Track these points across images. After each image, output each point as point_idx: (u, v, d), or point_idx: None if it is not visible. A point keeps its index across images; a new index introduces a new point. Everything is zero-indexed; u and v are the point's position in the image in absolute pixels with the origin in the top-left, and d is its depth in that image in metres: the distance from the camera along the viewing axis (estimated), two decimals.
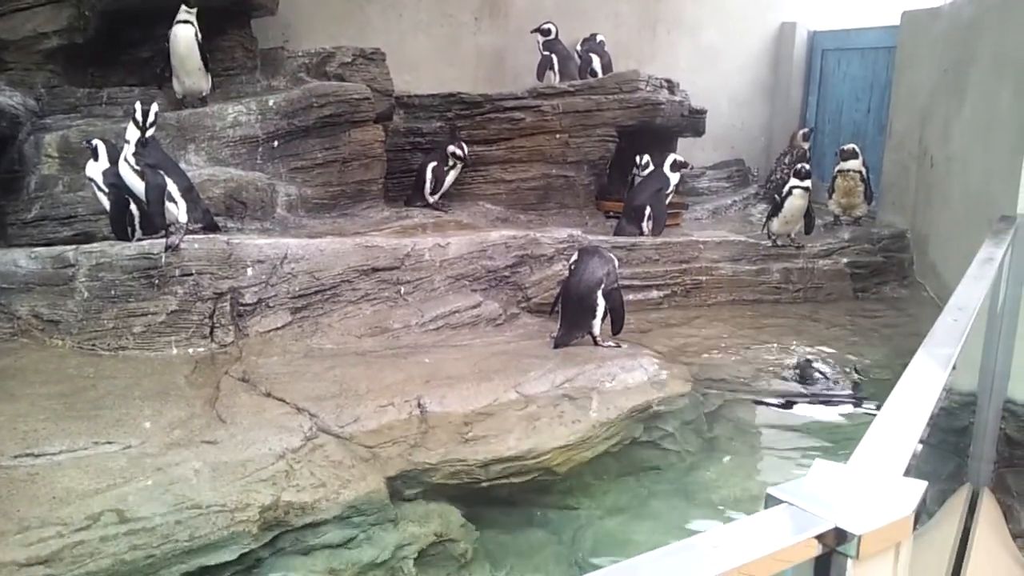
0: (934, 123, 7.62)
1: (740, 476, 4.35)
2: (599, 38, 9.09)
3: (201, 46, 6.53)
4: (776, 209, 7.35)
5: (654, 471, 4.41)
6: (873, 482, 1.31)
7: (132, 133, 5.31)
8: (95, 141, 5.55)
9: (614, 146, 8.15)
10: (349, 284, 5.66)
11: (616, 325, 5.60)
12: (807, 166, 7.37)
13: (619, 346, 5.55)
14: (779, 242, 7.41)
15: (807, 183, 7.16)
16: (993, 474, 3.68)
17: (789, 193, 7.19)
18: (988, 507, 3.46)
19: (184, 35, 6.46)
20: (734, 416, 4.97)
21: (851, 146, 8.14)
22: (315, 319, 5.51)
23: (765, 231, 7.55)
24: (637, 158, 8.12)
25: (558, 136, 8.07)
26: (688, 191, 9.50)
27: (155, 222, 5.37)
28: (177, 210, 5.35)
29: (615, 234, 7.33)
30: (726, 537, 1.10)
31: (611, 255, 5.68)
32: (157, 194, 5.26)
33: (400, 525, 3.65)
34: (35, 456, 3.64)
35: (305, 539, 3.47)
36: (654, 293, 6.88)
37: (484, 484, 4.00)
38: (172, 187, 5.33)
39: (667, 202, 7.58)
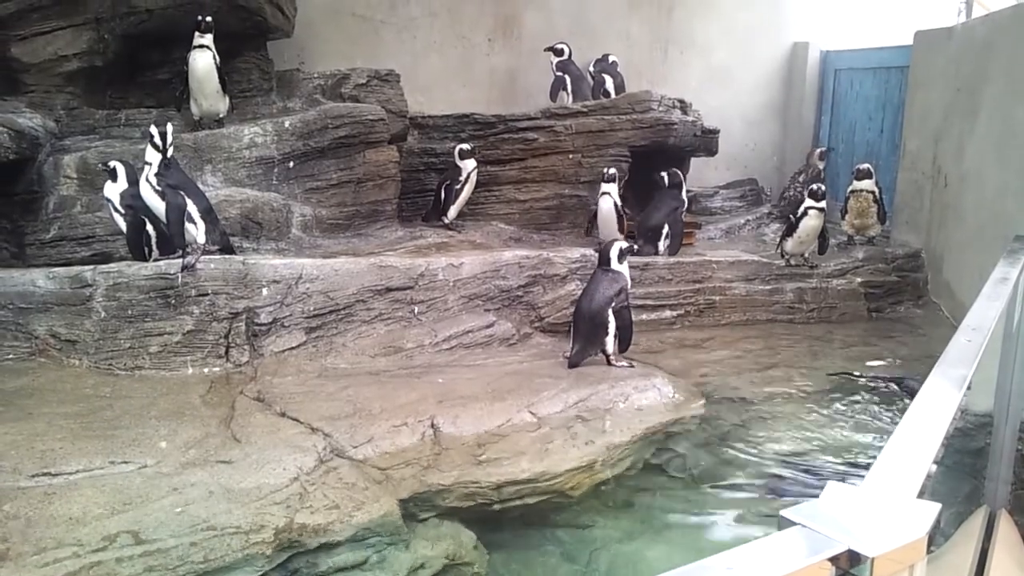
0: (948, 142, 7.61)
1: (754, 497, 4.32)
2: (611, 58, 9.15)
3: (219, 69, 6.61)
4: (791, 229, 7.34)
5: (668, 492, 4.38)
6: (887, 504, 1.31)
7: (152, 155, 5.37)
8: (112, 163, 5.61)
9: (627, 166, 8.17)
10: (363, 304, 5.68)
11: (623, 344, 5.60)
12: (822, 186, 7.37)
13: (632, 366, 5.55)
14: (793, 262, 7.41)
15: (822, 203, 7.16)
16: (1010, 496, 3.65)
17: (804, 213, 7.19)
18: (1005, 529, 3.42)
19: (203, 60, 6.54)
20: (749, 436, 4.94)
21: (866, 166, 8.13)
22: (329, 339, 5.54)
23: (779, 251, 7.55)
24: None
25: (571, 156, 8.10)
26: (701, 211, 9.52)
27: (175, 242, 5.42)
28: (196, 231, 5.40)
29: None
30: (740, 559, 1.11)
31: (624, 275, 5.69)
32: (177, 215, 5.32)
33: (413, 547, 3.64)
34: (52, 475, 3.67)
35: (319, 561, 3.47)
36: (667, 313, 6.88)
37: (497, 506, 3.99)
38: (191, 208, 5.39)
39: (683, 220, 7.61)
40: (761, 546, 1.15)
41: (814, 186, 7.38)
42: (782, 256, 7.48)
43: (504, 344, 5.95)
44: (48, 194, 6.23)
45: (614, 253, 5.70)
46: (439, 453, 4.23)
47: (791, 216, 7.49)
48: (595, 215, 7.38)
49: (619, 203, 7.24)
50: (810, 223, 7.19)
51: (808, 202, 7.21)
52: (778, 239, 7.76)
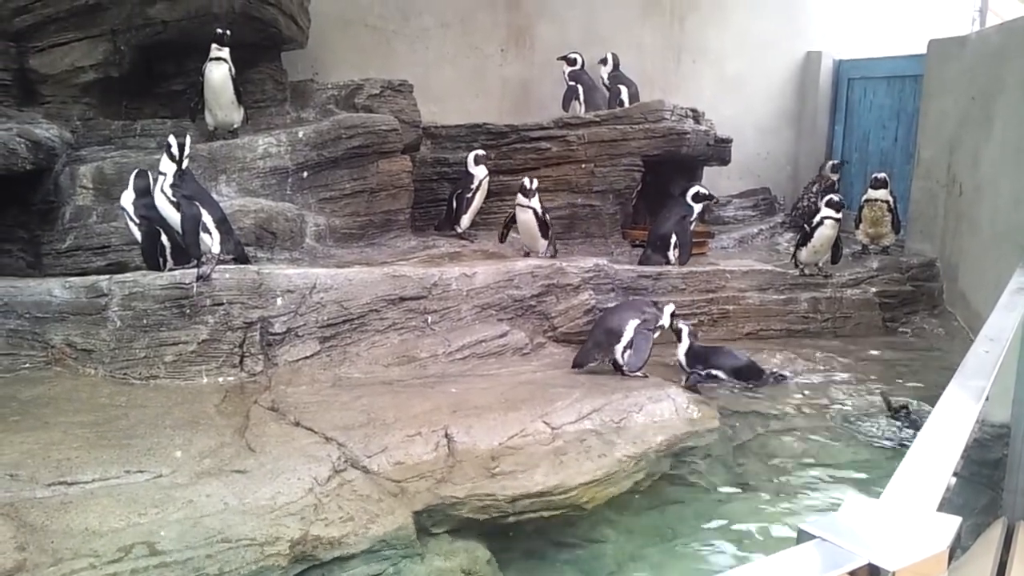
0: (962, 151, 7.58)
1: (770, 511, 4.29)
2: (609, 57, 9.00)
3: (234, 80, 6.66)
4: (806, 238, 7.31)
5: (683, 506, 4.35)
6: (907, 517, 1.30)
7: (167, 165, 5.40)
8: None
9: (640, 175, 8.18)
10: (377, 313, 5.69)
11: (632, 364, 5.57)
12: (839, 197, 7.35)
13: (646, 376, 5.54)
14: (807, 271, 7.38)
15: (839, 214, 7.15)
16: None
17: (820, 223, 7.17)
18: None
19: (218, 71, 6.58)
20: (763, 450, 4.92)
21: (882, 175, 8.11)
22: (343, 348, 5.55)
23: (793, 260, 7.52)
24: None
25: (584, 166, 8.11)
26: (714, 220, 9.50)
27: (190, 252, 5.44)
28: (211, 241, 5.42)
29: (640, 263, 7.33)
30: (758, 573, 1.10)
31: (659, 319, 5.82)
32: (193, 224, 5.34)
33: (427, 560, 3.63)
34: (68, 484, 3.67)
35: (333, 573, 3.46)
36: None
37: (512, 519, 3.97)
38: (206, 218, 5.41)
39: (691, 230, 7.56)
40: (780, 560, 1.14)
41: (833, 196, 7.34)
42: (796, 265, 7.45)
43: (517, 354, 5.95)
44: (64, 204, 6.28)
45: (667, 311, 5.88)
46: (452, 465, 4.21)
47: (806, 226, 7.46)
48: (513, 219, 7.14)
49: (540, 212, 6.98)
50: (825, 232, 7.16)
51: (825, 211, 7.18)
52: (792, 248, 7.73)
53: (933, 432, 1.72)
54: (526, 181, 6.97)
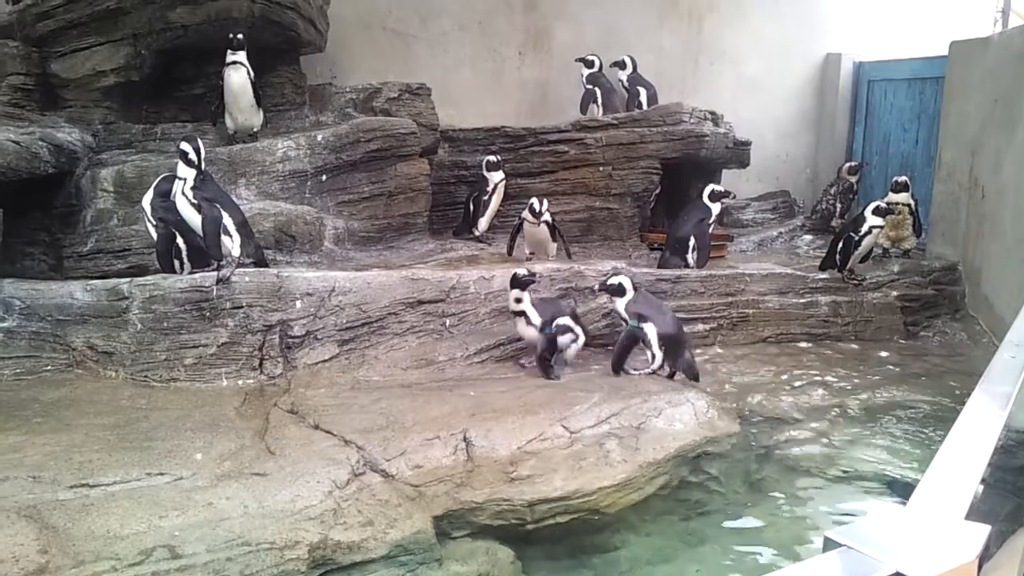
0: (985, 153, 7.51)
1: (791, 519, 4.26)
2: (627, 62, 9.03)
3: (254, 84, 6.70)
4: (855, 245, 7.23)
5: (702, 513, 4.33)
6: (935, 525, 1.29)
7: (184, 171, 5.40)
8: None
9: (658, 178, 8.15)
10: (395, 316, 5.69)
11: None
12: (884, 204, 7.30)
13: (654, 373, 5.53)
14: (848, 278, 7.32)
15: (885, 221, 7.20)
16: None
17: (869, 232, 7.14)
18: None
19: (237, 75, 6.64)
20: (785, 455, 4.88)
21: (903, 178, 8.06)
22: (362, 351, 5.55)
23: (844, 270, 7.36)
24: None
25: (602, 169, 8.11)
26: (733, 223, 9.46)
27: (212, 255, 5.46)
28: (231, 243, 5.44)
29: (659, 266, 7.30)
30: None
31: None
32: (214, 227, 5.35)
33: (446, 565, 3.63)
34: (90, 487, 3.69)
35: None
36: (700, 326, 6.82)
37: (530, 524, 3.95)
38: (227, 221, 5.42)
39: (710, 232, 7.51)
40: (806, 568, 1.13)
41: (880, 204, 7.29)
42: (840, 271, 7.33)
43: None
44: (85, 207, 6.33)
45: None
46: (471, 470, 4.19)
47: (852, 234, 7.30)
48: (519, 229, 7.11)
49: (552, 222, 6.99)
50: (872, 240, 7.22)
51: (872, 220, 7.15)
52: (841, 258, 7.37)
53: (959, 439, 1.71)
54: (535, 203, 6.93)
